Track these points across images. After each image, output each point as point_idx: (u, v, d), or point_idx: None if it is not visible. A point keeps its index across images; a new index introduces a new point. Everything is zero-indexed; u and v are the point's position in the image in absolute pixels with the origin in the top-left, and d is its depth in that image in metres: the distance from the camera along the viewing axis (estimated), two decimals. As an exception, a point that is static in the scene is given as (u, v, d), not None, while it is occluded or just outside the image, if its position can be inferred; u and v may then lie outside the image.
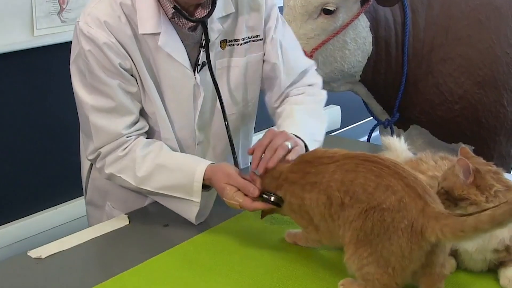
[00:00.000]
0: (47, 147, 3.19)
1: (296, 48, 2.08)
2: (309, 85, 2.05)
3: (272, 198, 1.61)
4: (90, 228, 1.87)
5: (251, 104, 2.06)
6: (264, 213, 1.70)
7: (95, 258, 1.76)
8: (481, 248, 1.49)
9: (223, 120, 1.89)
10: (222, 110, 1.88)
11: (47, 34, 3.02)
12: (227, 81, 1.94)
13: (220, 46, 1.90)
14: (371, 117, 2.87)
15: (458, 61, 2.57)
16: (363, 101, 2.81)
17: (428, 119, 2.67)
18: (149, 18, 1.78)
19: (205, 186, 1.76)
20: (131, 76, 1.81)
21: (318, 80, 2.10)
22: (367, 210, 1.39)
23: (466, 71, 2.56)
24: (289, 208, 1.59)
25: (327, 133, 2.00)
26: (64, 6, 3.03)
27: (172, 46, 1.81)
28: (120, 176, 1.82)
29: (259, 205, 1.63)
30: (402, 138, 1.99)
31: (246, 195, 1.64)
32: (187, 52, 1.85)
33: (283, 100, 2.03)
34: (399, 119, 2.71)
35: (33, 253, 1.67)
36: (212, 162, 1.78)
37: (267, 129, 1.74)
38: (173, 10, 1.77)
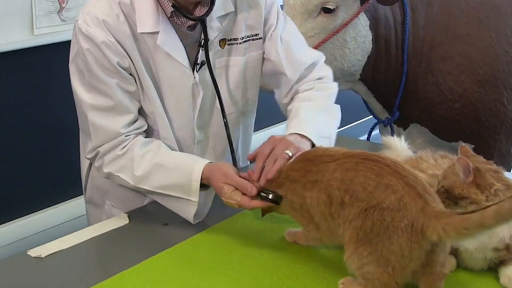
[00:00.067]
0: (47, 146, 3.19)
1: (300, 43, 2.05)
2: (319, 78, 2.02)
3: (270, 196, 1.60)
4: (90, 227, 1.87)
5: (251, 103, 2.06)
6: (264, 211, 1.70)
7: (95, 257, 1.76)
8: (481, 247, 1.49)
9: (223, 119, 1.88)
10: (221, 109, 1.88)
11: (47, 33, 3.02)
12: (226, 80, 1.94)
13: (219, 45, 1.90)
14: (371, 116, 2.87)
15: (458, 60, 2.56)
16: (363, 100, 2.81)
17: (428, 117, 2.66)
18: (147, 17, 1.77)
19: (204, 186, 1.75)
20: (129, 75, 1.81)
21: (327, 72, 2.06)
22: (367, 209, 1.39)
23: (466, 69, 2.56)
24: (290, 206, 1.59)
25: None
26: (64, 5, 3.03)
27: (171, 45, 1.81)
28: (118, 175, 1.81)
29: (257, 203, 1.63)
30: (403, 137, 1.99)
31: (244, 194, 1.64)
32: (186, 51, 1.84)
33: (292, 97, 2.01)
34: (399, 117, 2.71)
35: (33, 252, 1.67)
36: (210, 161, 1.78)
37: (269, 136, 1.73)
38: (172, 9, 1.77)
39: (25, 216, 3.19)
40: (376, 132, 2.91)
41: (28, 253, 1.67)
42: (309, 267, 1.58)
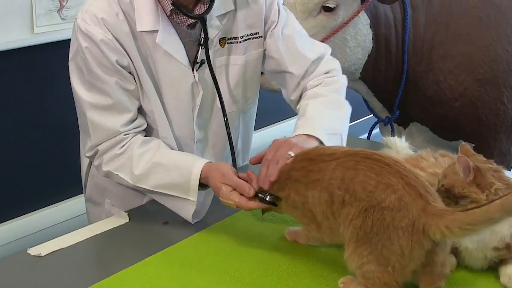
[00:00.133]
0: (47, 144, 3.19)
1: (303, 38, 2.01)
2: (326, 72, 1.98)
3: (268, 198, 1.60)
4: (90, 226, 1.87)
5: (251, 101, 2.05)
6: (265, 210, 1.69)
7: (94, 256, 1.76)
8: (481, 246, 1.49)
9: (223, 118, 1.88)
10: (221, 108, 1.88)
11: (47, 32, 3.02)
12: (226, 79, 1.93)
13: (219, 44, 1.90)
14: (371, 115, 2.87)
15: (458, 59, 2.56)
16: (363, 99, 2.81)
17: (428, 116, 2.66)
18: (147, 15, 1.77)
19: (203, 185, 1.75)
20: (128, 74, 1.81)
21: (335, 65, 2.02)
22: (367, 209, 1.39)
23: (466, 68, 2.56)
24: (292, 206, 1.58)
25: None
26: (64, 4, 3.03)
27: (170, 44, 1.81)
28: (117, 174, 1.81)
29: (255, 204, 1.63)
30: (403, 137, 1.99)
31: (242, 194, 1.64)
32: (185, 50, 1.84)
33: (301, 94, 1.98)
34: (399, 116, 2.70)
35: (33, 251, 1.67)
36: (209, 161, 1.78)
37: (273, 140, 1.71)
38: (172, 7, 1.77)
39: (25, 215, 3.19)
40: (376, 131, 2.91)
41: (28, 251, 1.67)
42: (309, 266, 1.58)
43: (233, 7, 1.89)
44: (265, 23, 1.95)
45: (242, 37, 1.92)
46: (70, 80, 1.84)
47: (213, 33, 1.86)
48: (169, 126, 1.88)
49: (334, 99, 1.93)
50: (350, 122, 1.93)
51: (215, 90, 1.87)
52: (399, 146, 1.95)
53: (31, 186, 3.19)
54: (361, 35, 2.48)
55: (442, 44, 2.57)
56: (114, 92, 1.78)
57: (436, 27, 2.58)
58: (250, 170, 1.68)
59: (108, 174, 1.84)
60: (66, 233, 1.77)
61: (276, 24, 1.95)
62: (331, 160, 1.50)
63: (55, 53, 3.02)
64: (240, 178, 1.66)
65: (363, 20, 2.48)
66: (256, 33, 1.95)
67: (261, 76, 2.06)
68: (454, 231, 1.30)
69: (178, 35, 1.82)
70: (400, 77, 2.60)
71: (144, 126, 1.86)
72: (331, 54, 2.32)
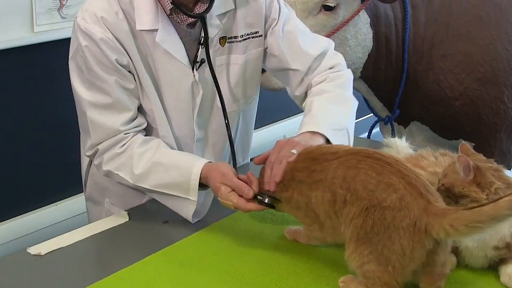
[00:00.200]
0: (47, 143, 3.19)
1: (305, 34, 2.00)
2: (331, 68, 1.97)
3: (267, 200, 1.60)
4: (90, 225, 1.86)
5: (251, 100, 2.05)
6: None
7: (94, 255, 1.76)
8: (481, 245, 1.49)
9: (223, 118, 1.88)
10: (222, 107, 1.87)
11: (47, 30, 3.01)
12: (226, 78, 1.93)
13: (219, 43, 1.89)
14: (372, 114, 2.87)
15: (458, 58, 2.56)
16: (364, 98, 2.80)
17: (428, 115, 2.66)
18: (146, 14, 1.77)
19: (203, 185, 1.75)
20: (128, 73, 1.80)
21: (339, 59, 2.01)
22: (368, 208, 1.39)
23: (466, 67, 2.56)
24: (295, 206, 1.58)
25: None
26: (64, 2, 3.03)
27: (170, 43, 1.80)
28: (117, 173, 1.81)
29: (253, 206, 1.63)
30: (404, 137, 1.99)
31: (240, 195, 1.63)
32: (185, 49, 1.84)
33: (306, 90, 1.96)
34: (400, 115, 2.70)
35: (33, 250, 1.67)
36: (209, 160, 1.77)
37: (276, 141, 1.70)
38: (171, 6, 1.76)
39: (25, 214, 3.19)
40: (376, 130, 2.91)
41: (27, 250, 1.67)
42: (309, 265, 1.58)
43: (233, 6, 1.89)
44: (266, 21, 1.94)
45: (242, 36, 1.92)
46: (70, 79, 1.84)
47: (213, 32, 1.85)
48: (168, 125, 1.88)
49: (339, 94, 1.91)
50: (351, 121, 1.91)
51: (215, 89, 1.87)
52: (399, 145, 1.95)
53: (31, 185, 3.19)
54: (361, 34, 2.48)
55: (442, 43, 2.57)
56: (113, 91, 1.78)
57: (436, 26, 2.58)
58: (250, 172, 1.67)
59: (108, 174, 1.84)
60: (67, 232, 1.77)
61: (277, 22, 1.94)
62: (333, 159, 1.50)
63: (55, 52, 3.02)
64: (240, 180, 1.66)
65: (363, 19, 2.48)
66: (256, 32, 1.94)
67: (261, 75, 2.06)
68: (460, 229, 1.30)
69: (178, 34, 1.82)
70: (400, 76, 2.60)
71: (144, 125, 1.86)
72: (332, 53, 2.30)
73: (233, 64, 1.93)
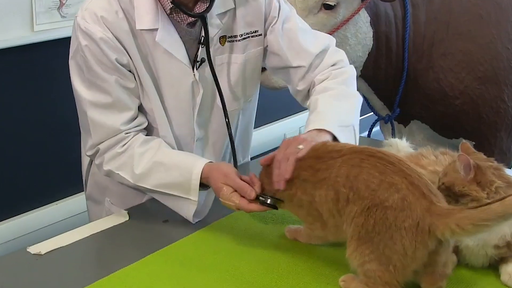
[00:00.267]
0: (47, 143, 3.19)
1: (305, 32, 1.98)
2: (333, 65, 1.95)
3: (269, 201, 1.60)
4: (90, 224, 1.86)
5: (251, 99, 2.05)
6: None
7: (94, 254, 1.76)
8: (482, 244, 1.49)
9: (224, 117, 1.87)
10: (223, 106, 1.87)
11: (47, 30, 3.01)
12: (226, 78, 1.93)
13: (220, 42, 1.89)
14: (372, 113, 2.87)
15: (458, 56, 2.56)
16: (364, 97, 2.80)
17: (428, 114, 2.66)
18: (146, 13, 1.76)
19: (204, 185, 1.74)
20: (128, 72, 1.80)
21: (341, 56, 1.99)
22: (370, 208, 1.38)
23: (466, 66, 2.55)
24: (298, 204, 1.57)
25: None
26: (64, 1, 3.03)
27: (170, 42, 1.80)
28: (118, 173, 1.81)
29: (255, 207, 1.62)
30: (404, 138, 1.99)
31: (242, 196, 1.63)
32: (185, 49, 1.83)
33: (309, 87, 1.94)
34: (400, 114, 2.70)
35: (33, 249, 1.66)
36: (210, 160, 1.77)
37: (282, 140, 1.68)
38: (171, 5, 1.76)
39: (25, 213, 3.19)
40: (376, 128, 2.91)
41: (27, 250, 1.67)
42: (309, 264, 1.58)
43: (233, 5, 1.88)
44: (265, 20, 1.94)
45: (241, 35, 1.91)
46: (70, 78, 1.84)
47: (214, 31, 1.85)
48: (169, 125, 1.87)
49: (343, 91, 1.90)
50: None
51: (215, 89, 1.87)
52: (399, 144, 1.95)
53: (31, 184, 3.19)
54: (361, 32, 2.48)
55: (442, 41, 2.57)
56: (114, 90, 1.78)
57: (437, 24, 2.58)
58: (253, 173, 1.67)
59: (109, 173, 1.84)
60: (67, 231, 1.77)
61: (277, 20, 1.94)
62: (338, 157, 1.49)
63: (55, 51, 3.02)
64: (242, 180, 1.65)
65: (364, 18, 2.48)
66: (255, 31, 1.93)
67: (261, 74, 2.06)
68: (467, 228, 1.29)
69: (178, 34, 1.82)
70: (401, 75, 2.60)
71: (145, 125, 1.86)
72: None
73: (233, 63, 1.92)
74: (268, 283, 1.51)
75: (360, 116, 1.88)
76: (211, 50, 1.84)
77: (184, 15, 1.79)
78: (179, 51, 1.82)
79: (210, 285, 1.51)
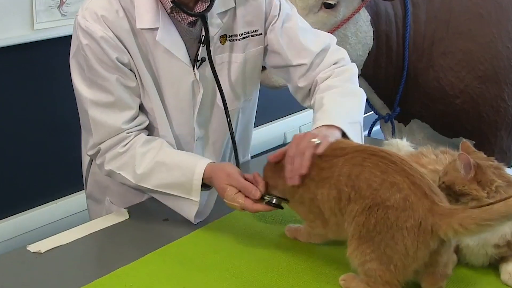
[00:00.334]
0: (47, 141, 3.19)
1: (306, 30, 1.98)
2: (334, 63, 1.94)
3: (274, 201, 1.59)
4: (90, 223, 1.86)
5: (251, 98, 2.04)
6: None
7: (94, 253, 1.76)
8: (482, 243, 1.49)
9: (225, 116, 1.87)
10: (224, 106, 1.87)
11: (47, 28, 3.01)
12: (227, 77, 1.93)
13: (220, 41, 1.89)
14: (372, 112, 2.87)
15: (459, 55, 2.56)
16: (364, 96, 2.80)
17: (428, 113, 2.66)
18: (147, 12, 1.76)
19: (206, 186, 1.74)
20: (129, 71, 1.80)
21: (342, 54, 1.98)
22: (371, 207, 1.38)
23: (467, 65, 2.55)
24: (299, 201, 1.57)
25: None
26: (64, 0, 3.03)
27: (170, 42, 1.80)
28: (119, 173, 1.80)
29: (261, 207, 1.61)
30: (404, 138, 1.98)
31: (247, 196, 1.62)
32: (186, 48, 1.83)
33: (310, 84, 1.93)
34: (400, 113, 2.70)
35: (33, 248, 1.66)
36: (213, 161, 1.76)
37: (293, 136, 1.65)
38: (172, 5, 1.76)
39: (25, 212, 3.19)
40: (377, 127, 2.91)
41: (27, 248, 1.66)
42: (309, 263, 1.58)
43: (233, 4, 1.88)
44: (266, 19, 1.94)
45: (241, 34, 1.91)
46: (70, 77, 1.83)
47: (214, 30, 1.85)
48: (169, 124, 1.87)
49: (348, 88, 1.89)
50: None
51: (216, 88, 1.87)
52: (400, 144, 1.95)
53: (31, 183, 3.19)
54: (361, 31, 2.48)
55: (442, 40, 2.57)
56: (115, 89, 1.78)
57: (437, 23, 2.58)
58: (256, 172, 1.66)
59: (110, 173, 1.83)
60: (67, 230, 1.77)
61: (277, 19, 1.93)
62: (341, 156, 1.49)
63: (55, 50, 3.02)
64: (246, 180, 1.64)
65: (364, 17, 2.48)
66: (255, 31, 1.93)
67: (261, 73, 2.05)
68: (470, 228, 1.29)
69: (179, 33, 1.81)
70: (401, 73, 2.60)
71: (146, 124, 1.85)
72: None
73: (233, 62, 1.92)
74: (268, 282, 1.51)
75: (361, 115, 1.88)
76: (211, 49, 1.83)
77: (185, 15, 1.79)
78: (180, 51, 1.82)
79: (210, 284, 1.51)
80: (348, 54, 2.03)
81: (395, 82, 2.62)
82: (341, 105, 1.80)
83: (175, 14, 1.79)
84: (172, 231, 1.74)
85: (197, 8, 1.80)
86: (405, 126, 2.76)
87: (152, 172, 1.77)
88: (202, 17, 1.80)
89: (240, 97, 1.98)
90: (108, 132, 1.80)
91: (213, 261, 1.60)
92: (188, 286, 1.50)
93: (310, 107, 1.96)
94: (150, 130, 1.88)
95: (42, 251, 1.65)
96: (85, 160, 2.07)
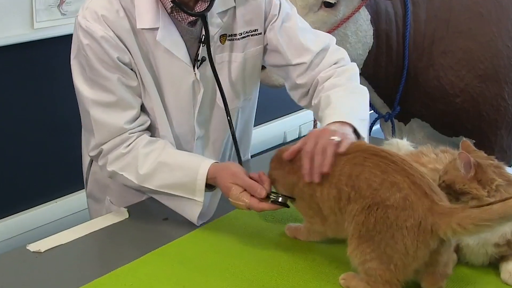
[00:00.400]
0: (47, 140, 3.19)
1: (305, 30, 1.97)
2: (335, 63, 1.93)
3: (280, 199, 1.58)
4: (89, 222, 1.86)
5: (251, 98, 2.04)
6: None
7: (94, 252, 1.76)
8: (482, 242, 1.49)
9: (225, 115, 1.87)
10: (224, 105, 1.86)
11: (47, 27, 3.01)
12: (228, 76, 1.92)
13: (220, 41, 1.88)
14: (372, 111, 2.86)
15: (459, 54, 2.56)
16: (364, 95, 2.80)
17: (429, 112, 2.66)
18: (147, 12, 1.76)
19: (209, 186, 1.73)
20: (130, 70, 1.80)
21: (342, 54, 1.97)
22: (370, 206, 1.38)
23: (467, 64, 2.55)
24: (299, 195, 1.57)
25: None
26: (64, -1, 3.03)
27: (171, 41, 1.80)
28: (122, 174, 1.79)
29: (267, 206, 1.60)
30: (405, 138, 1.98)
31: (252, 195, 1.61)
32: (186, 48, 1.83)
33: (311, 84, 1.92)
34: (400, 112, 2.70)
35: (32, 247, 1.66)
36: (216, 161, 1.75)
37: (308, 131, 1.63)
38: (172, 4, 1.76)
39: (25, 211, 3.19)
40: (377, 127, 2.91)
41: (27, 247, 1.66)
42: (309, 262, 1.58)
43: (233, 4, 1.88)
44: (265, 18, 1.93)
45: (241, 34, 1.91)
46: (71, 77, 1.83)
47: (214, 30, 1.85)
48: (169, 123, 1.87)
49: (353, 86, 1.89)
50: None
51: (216, 87, 1.86)
52: (400, 143, 1.94)
53: (31, 182, 3.19)
54: (361, 30, 2.48)
55: (442, 39, 2.56)
56: (117, 89, 1.77)
57: (437, 22, 2.57)
58: (261, 171, 1.65)
59: (113, 175, 1.82)
60: (67, 229, 1.77)
61: (277, 18, 1.93)
62: (343, 155, 1.49)
63: (55, 49, 3.02)
64: (251, 178, 1.63)
65: (364, 15, 2.48)
66: (255, 30, 1.93)
67: (261, 72, 2.05)
68: (469, 227, 1.29)
69: (179, 33, 1.81)
70: (401, 72, 2.59)
71: (148, 123, 1.85)
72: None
73: (233, 62, 1.92)
74: (268, 282, 1.51)
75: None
76: (211, 48, 1.83)
77: (185, 14, 1.79)
78: (180, 50, 1.81)
79: (210, 283, 1.51)
80: (348, 53, 2.03)
81: (395, 81, 2.62)
82: (350, 103, 1.78)
83: (175, 13, 1.79)
84: (172, 231, 1.74)
85: (197, 8, 1.80)
86: (405, 125, 2.76)
87: (155, 173, 1.76)
88: (202, 17, 1.80)
89: (240, 96, 1.98)
90: (110, 132, 1.79)
91: (213, 261, 1.60)
92: (187, 286, 1.50)
93: (307, 106, 1.96)
94: (150, 129, 1.88)
95: (42, 250, 1.65)
96: (86, 159, 2.06)
